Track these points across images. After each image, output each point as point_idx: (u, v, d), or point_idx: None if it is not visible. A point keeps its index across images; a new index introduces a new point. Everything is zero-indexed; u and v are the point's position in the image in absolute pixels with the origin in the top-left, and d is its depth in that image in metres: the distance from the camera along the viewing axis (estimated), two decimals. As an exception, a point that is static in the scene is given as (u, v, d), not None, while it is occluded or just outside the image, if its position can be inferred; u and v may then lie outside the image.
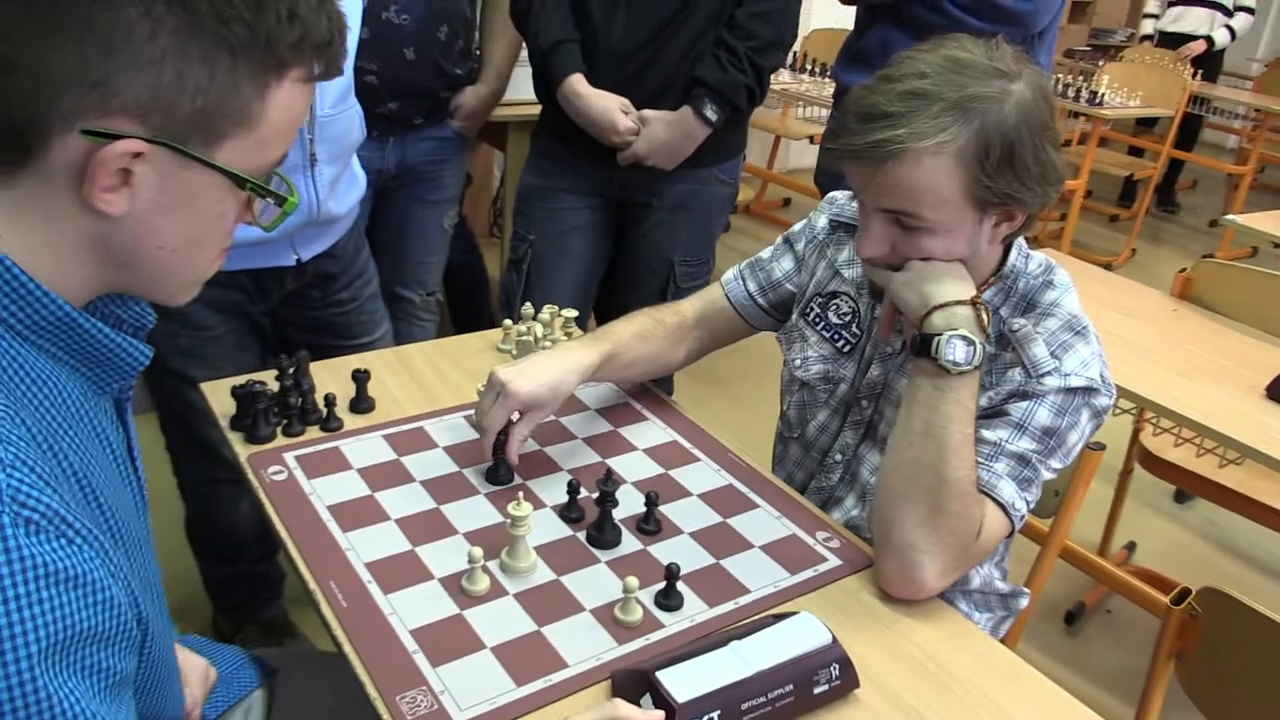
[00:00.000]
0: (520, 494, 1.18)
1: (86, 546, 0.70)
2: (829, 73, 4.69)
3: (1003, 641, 1.53)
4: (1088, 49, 6.68)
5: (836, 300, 1.47)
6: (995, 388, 1.27)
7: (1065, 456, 1.27)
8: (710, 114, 2.09)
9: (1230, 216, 3.09)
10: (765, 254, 1.58)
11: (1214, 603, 1.27)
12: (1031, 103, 1.18)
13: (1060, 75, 5.09)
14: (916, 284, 1.22)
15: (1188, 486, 2.51)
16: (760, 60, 2.09)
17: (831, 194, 1.54)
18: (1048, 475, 1.26)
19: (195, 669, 1.16)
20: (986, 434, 1.24)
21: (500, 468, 1.34)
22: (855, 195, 1.25)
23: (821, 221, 1.52)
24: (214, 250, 0.85)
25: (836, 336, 1.45)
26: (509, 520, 1.16)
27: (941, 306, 1.19)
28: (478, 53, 2.60)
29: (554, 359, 1.37)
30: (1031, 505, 1.25)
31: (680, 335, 1.56)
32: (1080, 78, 5.20)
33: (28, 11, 0.69)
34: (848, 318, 1.45)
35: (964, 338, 1.18)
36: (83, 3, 0.69)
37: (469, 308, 3.38)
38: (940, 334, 1.18)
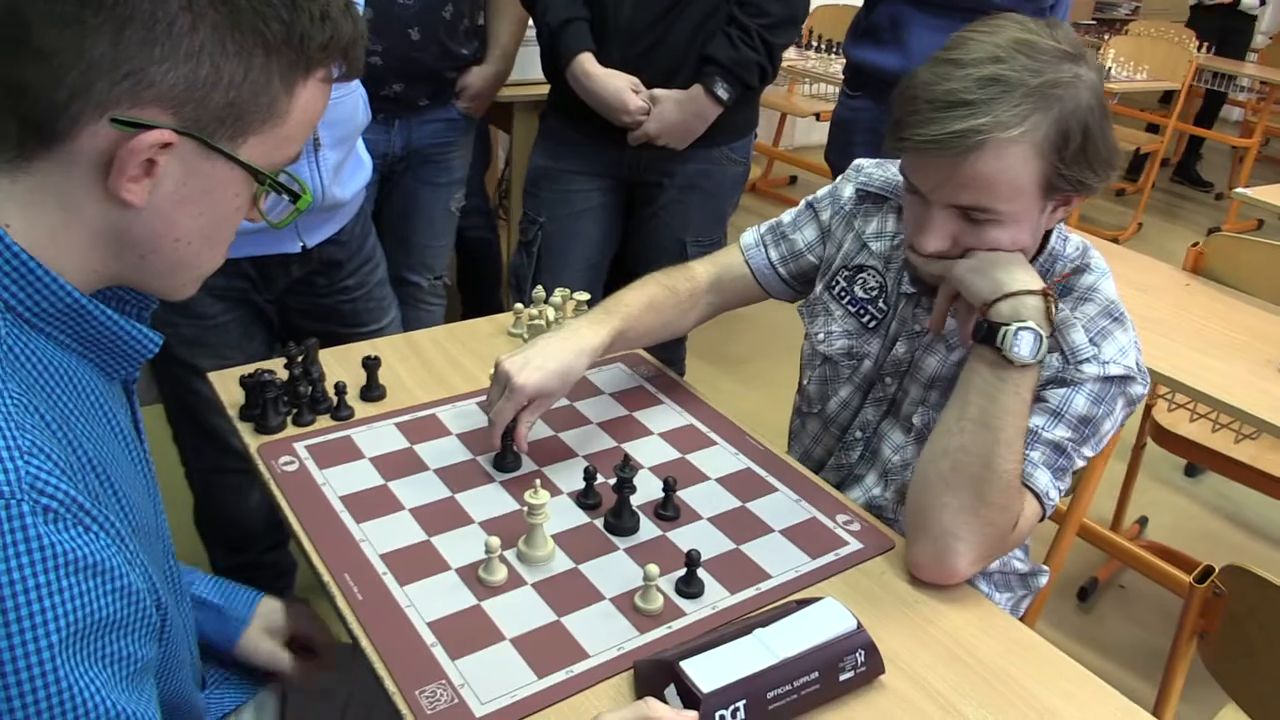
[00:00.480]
0: (537, 481, 1.16)
1: (104, 534, 0.70)
2: (837, 49, 4.65)
3: (1022, 620, 1.53)
4: (1093, 23, 6.62)
5: (864, 274, 1.43)
6: None
7: (1098, 445, 1.25)
8: (722, 92, 2.06)
9: (1240, 190, 3.06)
10: (786, 219, 1.53)
11: (1238, 581, 1.26)
12: (1099, 84, 1.15)
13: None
14: (987, 270, 1.18)
15: (1199, 461, 2.50)
16: (772, 37, 2.06)
17: (858, 161, 1.49)
18: (1080, 464, 1.25)
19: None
20: None
21: (508, 455, 1.32)
22: (918, 187, 1.19)
23: (848, 191, 1.47)
24: (223, 245, 0.85)
25: (863, 311, 1.42)
26: (526, 508, 1.14)
27: (1011, 295, 1.16)
28: (481, 25, 2.57)
29: (561, 343, 1.32)
30: (1063, 493, 1.24)
31: (693, 301, 1.52)
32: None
33: None
34: (874, 292, 1.41)
35: (1031, 330, 1.14)
36: None
37: (483, 286, 3.39)
38: (1008, 324, 1.15)
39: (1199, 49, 5.58)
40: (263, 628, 1.22)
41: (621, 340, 1.40)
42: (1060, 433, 1.21)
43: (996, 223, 1.17)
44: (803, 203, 1.53)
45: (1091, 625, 2.58)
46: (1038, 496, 1.21)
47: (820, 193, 1.51)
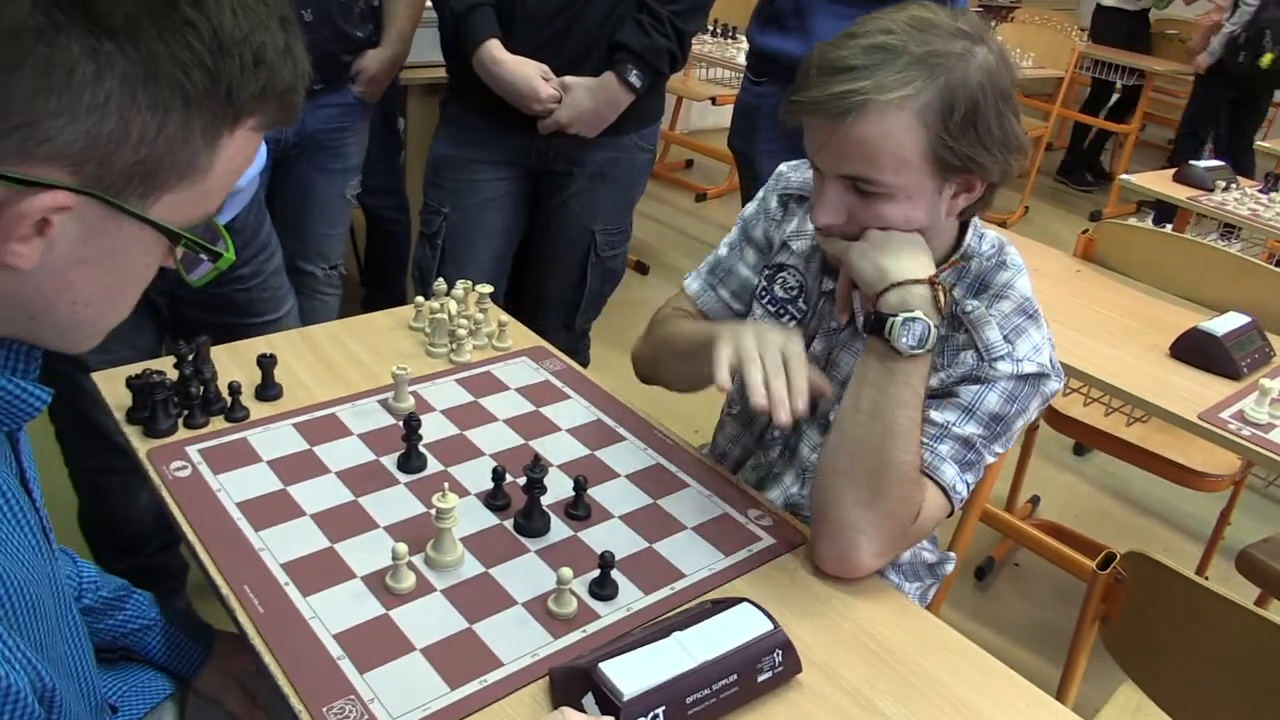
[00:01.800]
0: (445, 485, 1.12)
1: None
2: (734, 34, 4.66)
3: (928, 607, 1.55)
4: (979, 9, 6.76)
5: (784, 274, 1.42)
6: (947, 369, 1.25)
7: (1008, 442, 1.27)
8: (634, 79, 2.04)
9: (1124, 176, 3.17)
10: (723, 251, 1.50)
11: (1139, 567, 1.29)
12: (996, 67, 1.15)
13: (956, 36, 5.13)
14: (874, 256, 1.18)
15: (1090, 442, 2.58)
16: (682, 24, 2.05)
17: (779, 169, 1.49)
18: (989, 460, 1.26)
19: None
20: (934, 415, 1.22)
21: (413, 455, 1.27)
22: (812, 158, 1.21)
23: (774, 202, 1.46)
24: (129, 302, 0.76)
25: (782, 311, 1.42)
26: (434, 512, 1.10)
27: (898, 285, 1.16)
28: (376, 7, 2.49)
29: (766, 331, 1.20)
30: (971, 487, 1.25)
31: None
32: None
33: None
34: (794, 292, 1.41)
35: (919, 319, 1.15)
36: (19, 35, 0.60)
37: (389, 267, 3.35)
38: (895, 314, 1.15)
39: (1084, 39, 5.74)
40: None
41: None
42: (971, 429, 1.22)
43: (886, 196, 1.17)
44: (735, 229, 1.50)
45: (989, 604, 2.64)
46: (945, 490, 1.21)
47: (749, 210, 1.50)
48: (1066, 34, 5.52)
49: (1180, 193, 3.22)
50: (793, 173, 1.47)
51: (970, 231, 1.30)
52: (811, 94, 1.13)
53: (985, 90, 1.13)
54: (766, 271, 1.44)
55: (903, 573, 1.46)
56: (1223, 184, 3.23)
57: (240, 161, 0.73)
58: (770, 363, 1.15)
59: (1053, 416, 2.50)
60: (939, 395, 1.24)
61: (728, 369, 1.15)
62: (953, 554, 1.52)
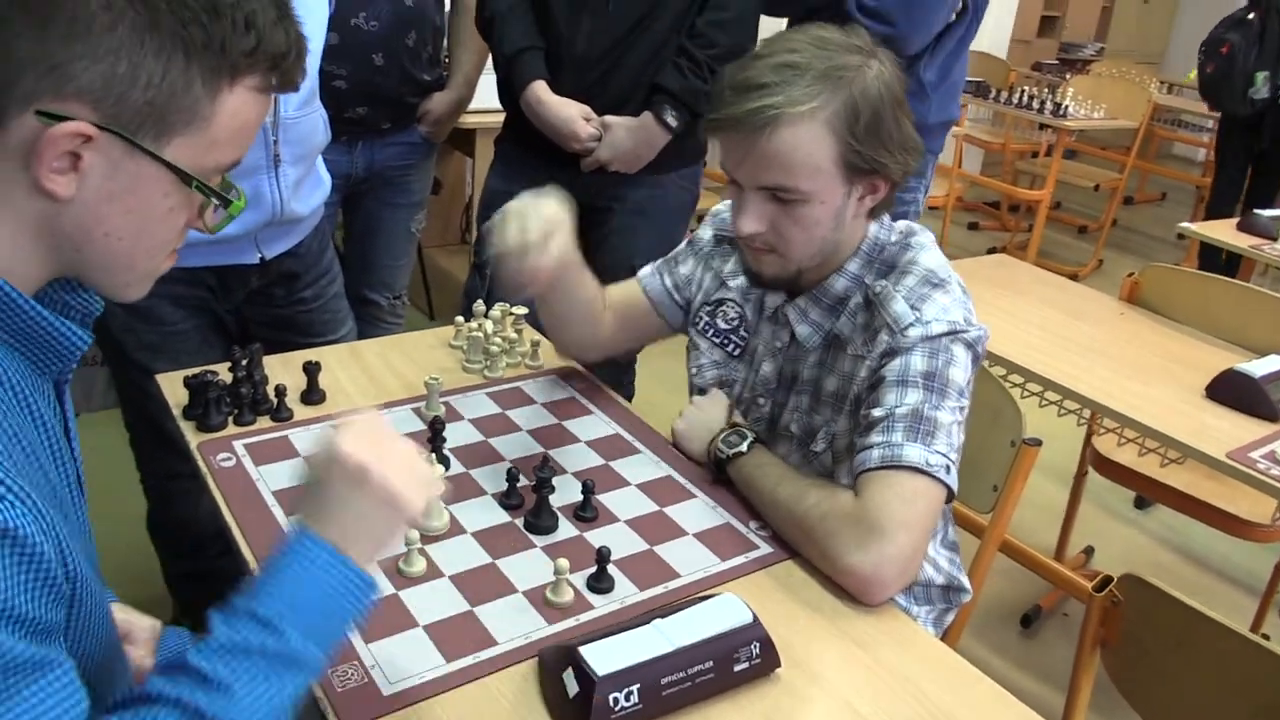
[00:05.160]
0: (430, 454, 1.21)
1: (20, 503, 0.73)
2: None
3: (946, 634, 1.58)
4: (1055, 63, 6.75)
5: (724, 307, 1.53)
6: (870, 354, 1.33)
7: (959, 395, 1.30)
8: (671, 120, 2.14)
9: (1185, 224, 3.15)
10: (676, 253, 1.64)
11: (1134, 590, 1.31)
12: (890, 76, 1.28)
13: (1026, 88, 5.15)
14: (692, 436, 1.46)
15: (1140, 489, 2.55)
16: (720, 67, 2.12)
17: (715, 207, 1.60)
18: (949, 418, 1.27)
19: (141, 628, 1.16)
20: (875, 411, 1.28)
21: (436, 456, 1.34)
22: (730, 172, 1.31)
23: (707, 234, 1.59)
24: (163, 247, 0.88)
25: (726, 341, 1.52)
26: None
27: (713, 439, 1.41)
28: (446, 60, 2.64)
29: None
30: (951, 455, 1.26)
31: (603, 308, 1.61)
32: (1046, 90, 5.27)
33: None
34: (735, 322, 1.52)
35: (733, 437, 1.40)
36: None
37: None
38: (721, 450, 1.39)
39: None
40: None
41: (568, 270, 1.48)
42: (911, 398, 1.27)
43: (803, 202, 1.28)
44: (686, 241, 1.64)
45: (1034, 652, 2.62)
46: (921, 470, 1.23)
47: (680, 247, 1.64)
48: (1143, 86, 5.49)
49: (1243, 241, 3.20)
50: (729, 212, 1.53)
51: (876, 225, 1.39)
52: (728, 111, 1.24)
53: (883, 98, 1.25)
54: (707, 307, 1.55)
55: (912, 596, 1.49)
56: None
57: (245, 118, 0.84)
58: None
59: (1098, 461, 2.49)
60: (871, 386, 1.31)
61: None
62: (968, 583, 1.55)
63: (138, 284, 0.89)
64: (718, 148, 1.33)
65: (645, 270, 1.64)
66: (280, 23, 0.83)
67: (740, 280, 1.52)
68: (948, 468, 1.26)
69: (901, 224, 1.42)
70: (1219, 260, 4.19)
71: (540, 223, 1.34)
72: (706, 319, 1.55)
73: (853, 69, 1.25)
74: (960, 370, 1.30)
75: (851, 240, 1.38)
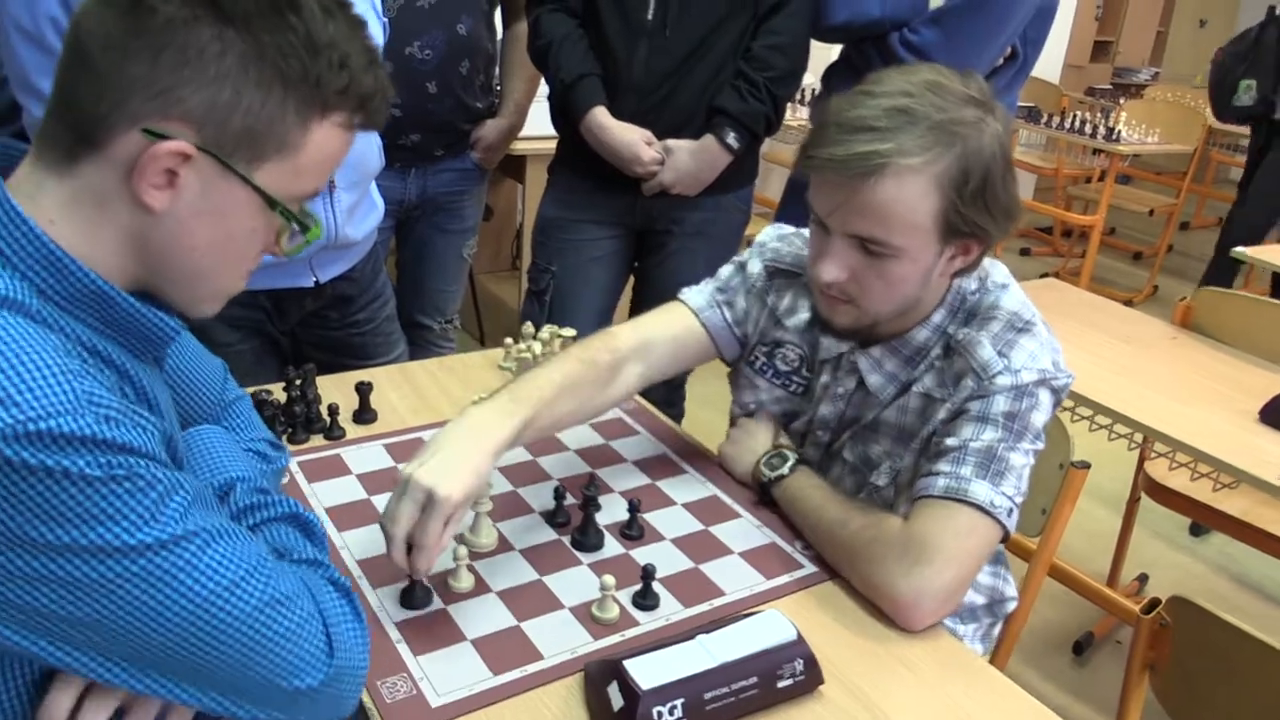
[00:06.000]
0: None
1: (159, 433, 0.81)
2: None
3: (996, 651, 1.57)
4: (1109, 88, 6.71)
5: (782, 349, 1.49)
6: (953, 396, 1.30)
7: (1035, 439, 1.28)
8: (733, 142, 2.16)
9: (1240, 249, 3.11)
10: (727, 274, 1.55)
11: (1183, 612, 1.30)
12: (1005, 135, 1.21)
13: (1079, 112, 5.12)
14: (737, 459, 1.48)
15: (1194, 516, 2.52)
16: (777, 90, 2.17)
17: (760, 238, 1.54)
18: (1022, 460, 1.26)
19: None
20: (949, 440, 1.27)
21: (417, 589, 1.17)
22: (822, 215, 1.25)
23: (756, 267, 1.51)
24: (240, 266, 0.93)
25: (787, 383, 1.49)
26: None
27: (758, 461, 1.44)
28: (498, 87, 2.69)
29: (470, 442, 1.15)
30: (1016, 499, 1.25)
31: (613, 373, 1.39)
32: (1099, 115, 5.23)
33: (125, 25, 0.80)
34: (795, 364, 1.48)
35: (776, 459, 1.42)
36: (171, 22, 0.79)
37: None
38: (764, 473, 1.41)
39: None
40: None
41: (531, 430, 1.23)
42: (988, 436, 1.24)
43: (893, 257, 1.22)
44: (734, 265, 1.55)
45: (1085, 679, 2.59)
46: (983, 510, 1.21)
47: (725, 272, 1.55)
48: (1198, 110, 5.42)
49: (1295, 263, 3.15)
50: (779, 244, 1.51)
51: (957, 279, 1.34)
52: (833, 151, 1.17)
53: (997, 159, 1.19)
54: (763, 347, 1.51)
55: (958, 616, 1.49)
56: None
57: (329, 151, 0.89)
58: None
59: (1152, 488, 2.46)
60: (951, 418, 1.29)
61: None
62: (1013, 592, 1.53)
63: (211, 300, 0.94)
64: (812, 185, 1.25)
65: (697, 300, 1.52)
66: (370, 68, 0.89)
67: (797, 319, 1.47)
68: (1010, 510, 1.24)
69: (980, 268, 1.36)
70: None
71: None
72: (764, 359, 1.51)
73: (969, 124, 1.18)
74: (1042, 415, 1.28)
75: (933, 298, 1.32)
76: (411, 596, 1.16)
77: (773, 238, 1.53)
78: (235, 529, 0.86)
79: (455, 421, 1.18)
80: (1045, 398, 1.28)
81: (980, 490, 1.22)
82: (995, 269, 1.37)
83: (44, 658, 0.79)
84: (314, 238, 0.93)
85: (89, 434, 0.75)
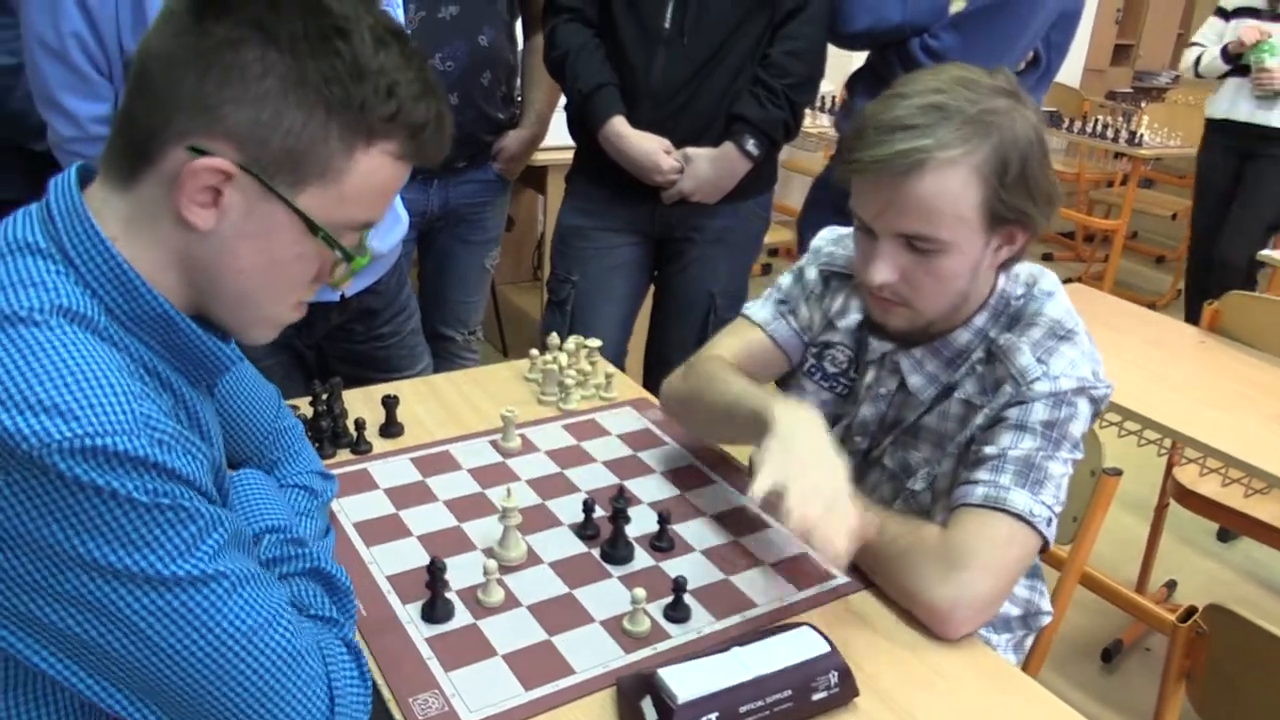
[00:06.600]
0: (509, 487, 1.23)
1: (206, 461, 0.82)
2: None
3: (1028, 660, 1.55)
4: (1130, 91, 6.67)
5: (832, 350, 1.49)
6: (991, 402, 1.30)
7: (1074, 448, 1.27)
8: (752, 149, 2.16)
9: (1266, 252, 3.09)
10: (787, 283, 1.55)
11: (1220, 620, 1.28)
12: (1038, 122, 1.22)
13: (1101, 116, 5.09)
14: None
15: (1224, 522, 2.50)
16: (796, 96, 2.17)
17: (815, 244, 1.55)
18: (1061, 469, 1.25)
19: None
20: (988, 449, 1.26)
21: (439, 604, 1.16)
22: (867, 219, 1.25)
23: (813, 274, 1.52)
24: (290, 294, 0.92)
25: (834, 384, 1.49)
26: (500, 511, 1.23)
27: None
28: (519, 98, 2.69)
29: (830, 470, 1.16)
30: (1055, 509, 1.24)
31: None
32: (1120, 118, 5.20)
33: (181, 44, 0.81)
34: (843, 365, 1.48)
35: None
36: (219, 43, 0.80)
37: None
38: None
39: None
40: None
41: None
42: (1027, 444, 1.24)
43: (942, 252, 1.22)
44: (793, 274, 1.56)
45: (1115, 687, 2.56)
46: (1023, 519, 1.21)
47: (786, 281, 1.55)
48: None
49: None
50: (834, 247, 1.52)
51: (1002, 276, 1.34)
52: (873, 153, 1.18)
53: (1033, 145, 1.20)
54: (814, 349, 1.50)
55: (991, 625, 1.47)
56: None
57: (378, 180, 0.88)
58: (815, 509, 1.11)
59: (1180, 493, 2.44)
60: (990, 425, 1.29)
61: (764, 492, 1.13)
62: (1049, 607, 1.52)
63: (262, 326, 0.93)
64: (854, 191, 1.26)
65: (761, 314, 1.53)
66: (424, 98, 0.87)
67: (848, 320, 1.47)
68: (1050, 520, 1.23)
69: (1025, 272, 1.37)
70: None
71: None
72: (813, 361, 1.51)
73: (1002, 113, 1.19)
74: (1080, 425, 1.28)
75: (980, 293, 1.33)
76: (433, 610, 1.16)
77: (827, 240, 1.54)
78: (263, 575, 0.86)
79: (793, 448, 1.18)
80: (1084, 407, 1.28)
81: (1019, 499, 1.22)
82: (1044, 277, 1.37)
83: (45, 669, 0.79)
84: (358, 266, 0.92)
85: (142, 455, 0.75)
